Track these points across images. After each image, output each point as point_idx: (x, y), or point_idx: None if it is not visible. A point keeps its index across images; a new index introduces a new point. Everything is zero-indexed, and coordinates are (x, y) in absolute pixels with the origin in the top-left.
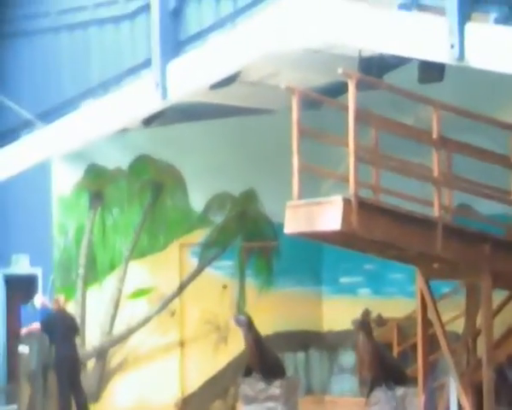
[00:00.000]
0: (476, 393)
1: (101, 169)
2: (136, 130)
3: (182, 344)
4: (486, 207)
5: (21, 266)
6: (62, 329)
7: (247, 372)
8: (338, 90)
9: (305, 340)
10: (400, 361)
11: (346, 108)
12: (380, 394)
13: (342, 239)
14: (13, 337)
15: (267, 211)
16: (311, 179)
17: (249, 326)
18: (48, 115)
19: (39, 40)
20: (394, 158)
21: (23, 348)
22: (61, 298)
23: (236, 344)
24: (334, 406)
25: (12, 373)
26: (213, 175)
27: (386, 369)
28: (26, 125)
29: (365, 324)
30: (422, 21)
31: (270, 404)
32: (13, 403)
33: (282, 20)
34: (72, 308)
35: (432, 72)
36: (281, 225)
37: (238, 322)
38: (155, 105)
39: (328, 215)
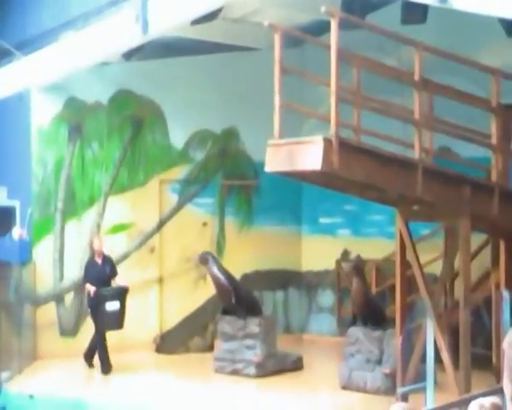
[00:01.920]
0: (453, 334)
1: (81, 102)
2: (116, 63)
3: (161, 281)
4: (467, 150)
5: None
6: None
7: (226, 311)
8: (321, 29)
9: (285, 279)
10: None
11: (328, 47)
12: (358, 333)
13: (323, 179)
14: None
15: (248, 149)
16: (292, 119)
17: (216, 263)
18: (27, 46)
19: None
20: (376, 99)
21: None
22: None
23: None
24: (312, 344)
25: None
26: (194, 112)
27: (372, 311)
28: (5, 55)
29: (359, 267)
30: None
31: (249, 342)
32: None
33: None
34: (50, 242)
35: (415, 13)
36: (261, 164)
37: (201, 259)
38: (136, 39)
39: (309, 155)
